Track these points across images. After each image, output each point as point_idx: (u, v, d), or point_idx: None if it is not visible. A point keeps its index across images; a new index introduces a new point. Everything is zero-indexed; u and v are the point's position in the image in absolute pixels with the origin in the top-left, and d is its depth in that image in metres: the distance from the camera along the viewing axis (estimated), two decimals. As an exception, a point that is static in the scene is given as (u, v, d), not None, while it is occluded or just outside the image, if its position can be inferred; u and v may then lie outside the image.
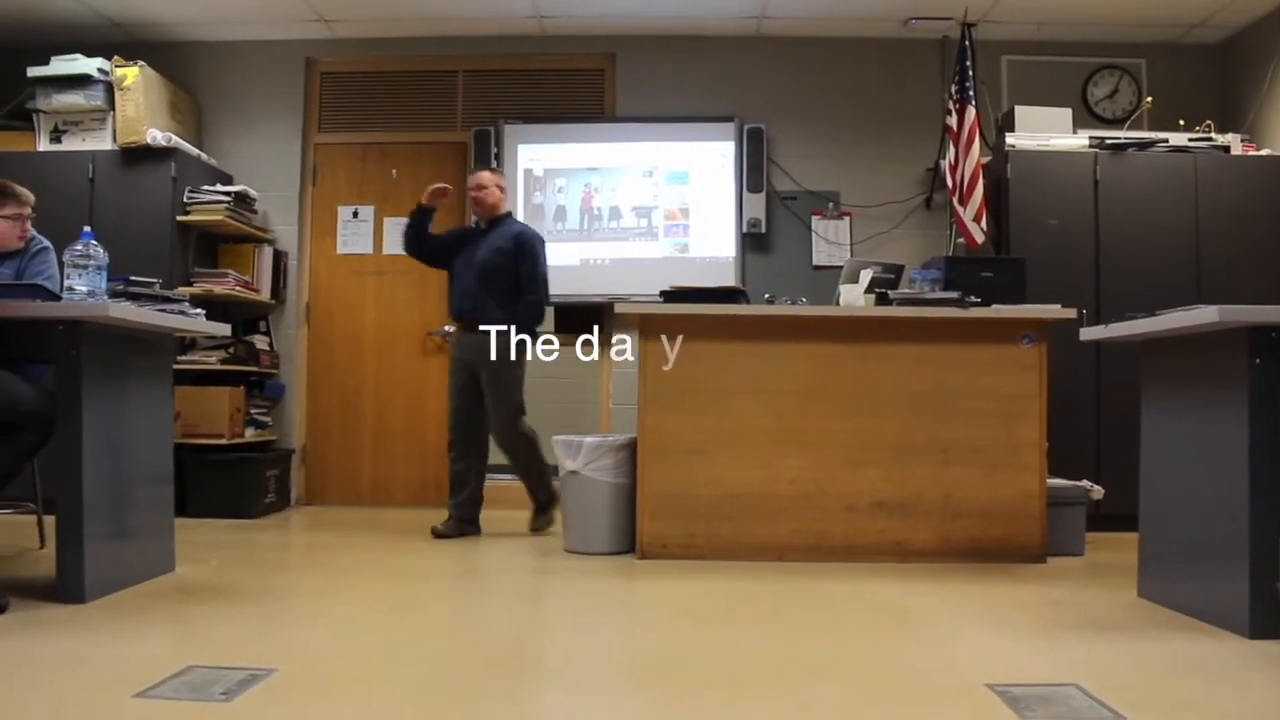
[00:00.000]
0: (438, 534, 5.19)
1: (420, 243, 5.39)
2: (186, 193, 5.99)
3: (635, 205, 6.46)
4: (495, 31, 6.57)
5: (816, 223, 6.49)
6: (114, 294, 3.65)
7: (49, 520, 3.99)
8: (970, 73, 5.83)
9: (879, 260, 5.19)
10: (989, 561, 4.47)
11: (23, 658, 2.81)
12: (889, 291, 4.79)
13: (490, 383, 5.20)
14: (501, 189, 5.45)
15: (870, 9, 6.20)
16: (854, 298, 4.78)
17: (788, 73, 6.60)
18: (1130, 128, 6.15)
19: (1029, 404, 4.58)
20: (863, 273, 4.89)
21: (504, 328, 5.13)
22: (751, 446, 4.57)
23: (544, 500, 5.43)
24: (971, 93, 5.79)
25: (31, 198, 4.35)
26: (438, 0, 6.17)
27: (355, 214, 6.66)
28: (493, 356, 5.13)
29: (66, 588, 3.43)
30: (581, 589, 4.03)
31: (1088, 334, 4.03)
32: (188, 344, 5.91)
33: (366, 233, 6.65)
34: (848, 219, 6.49)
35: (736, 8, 6.22)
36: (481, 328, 5.15)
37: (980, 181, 5.65)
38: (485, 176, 5.42)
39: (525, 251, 5.27)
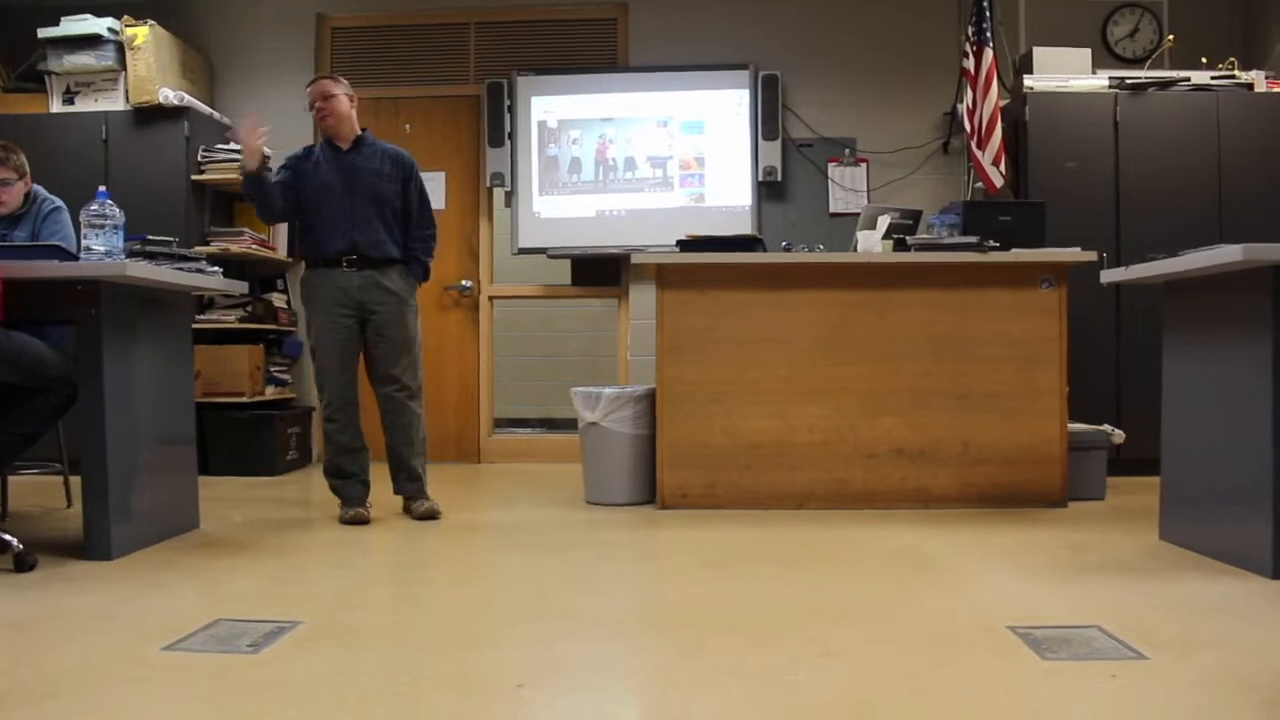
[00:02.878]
0: (356, 520, 4.32)
1: (273, 207, 4.47)
2: (201, 151, 5.99)
3: (650, 155, 6.42)
4: (505, -19, 6.51)
5: (833, 170, 6.44)
6: (131, 253, 3.66)
7: (74, 480, 4.03)
8: (988, 14, 5.74)
9: (896, 206, 5.14)
10: (1009, 507, 4.48)
11: (52, 613, 2.85)
12: (907, 237, 4.75)
13: (395, 324, 4.45)
14: (351, 99, 4.53)
15: (884, -49, 6.10)
16: (872, 244, 4.75)
17: (802, 18, 6.52)
18: (1151, 67, 6.05)
19: (1049, 349, 4.56)
20: (880, 219, 4.85)
21: (399, 263, 4.50)
22: (770, 395, 4.56)
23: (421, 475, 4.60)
24: (989, 34, 5.70)
25: (23, 162, 4.32)
26: (447, -49, 6.12)
27: (369, 170, 6.62)
28: (398, 293, 4.46)
29: (93, 545, 3.48)
30: (602, 539, 4.05)
31: (1109, 276, 4.00)
32: (206, 303, 5.93)
33: (381, 188, 6.61)
34: (864, 165, 6.43)
35: (749, -48, 6.15)
36: (377, 264, 4.43)
37: (999, 125, 5.59)
38: (328, 84, 4.49)
39: (416, 176, 4.60)
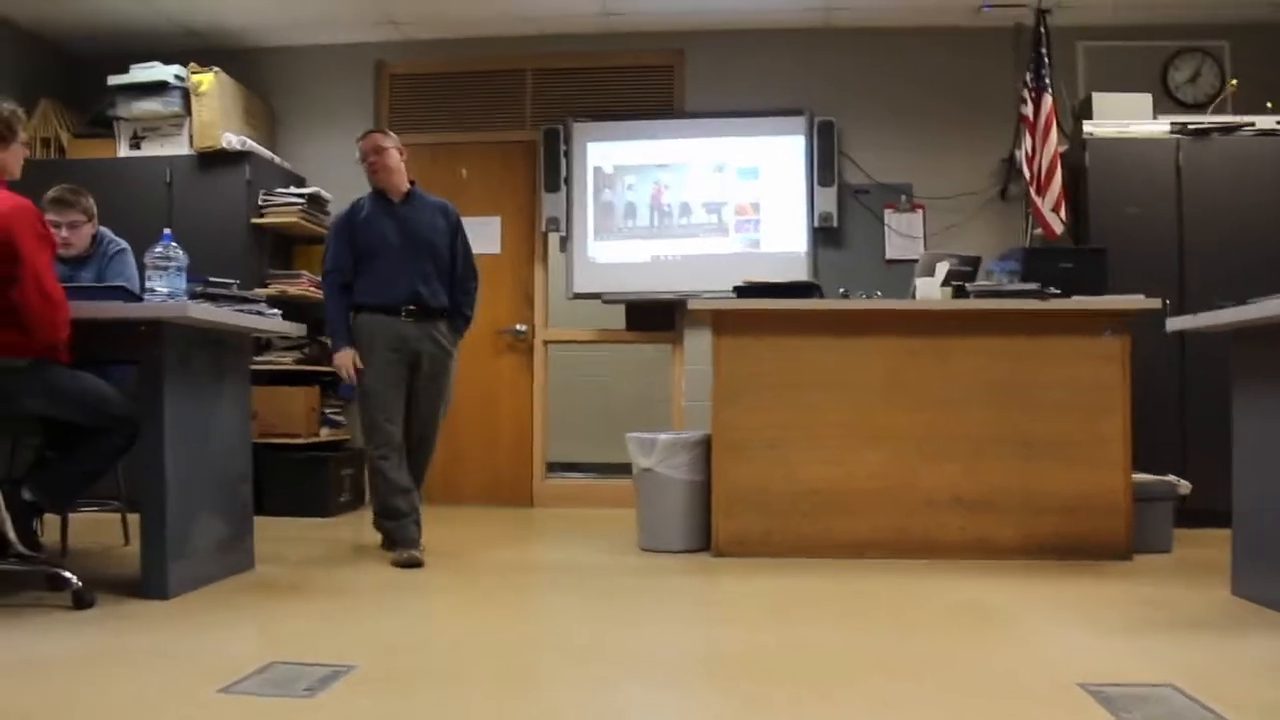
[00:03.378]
0: (411, 563, 4.31)
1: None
2: (261, 195, 6.07)
3: (706, 201, 6.42)
4: (563, 30, 6.57)
5: (889, 216, 6.40)
6: (193, 295, 3.69)
7: (133, 518, 4.06)
8: (1046, 60, 5.70)
9: (955, 253, 5.09)
10: (1073, 559, 4.37)
11: (110, 652, 2.85)
12: (966, 284, 4.69)
13: (441, 374, 4.63)
14: (402, 152, 4.70)
15: (940, -2, 6.09)
16: (931, 291, 4.70)
17: (858, 64, 6.52)
18: (1214, 112, 5.97)
19: (1112, 397, 4.47)
20: (939, 265, 4.80)
21: (448, 315, 4.67)
22: (828, 442, 4.51)
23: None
24: (1048, 80, 5.67)
25: (90, 204, 4.45)
26: (504, 0, 6.18)
27: (426, 214, 6.67)
28: (447, 346, 4.65)
29: (151, 584, 3.49)
30: (658, 585, 4.00)
31: (1175, 324, 3.91)
32: (264, 344, 5.99)
33: (437, 233, 6.66)
34: (921, 212, 6.38)
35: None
36: (434, 315, 4.60)
37: (1059, 171, 5.53)
38: (379, 138, 4.67)
39: (461, 227, 4.75)
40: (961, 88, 6.44)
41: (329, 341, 4.66)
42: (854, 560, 4.39)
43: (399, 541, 4.42)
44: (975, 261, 4.95)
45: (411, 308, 4.52)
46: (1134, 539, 4.44)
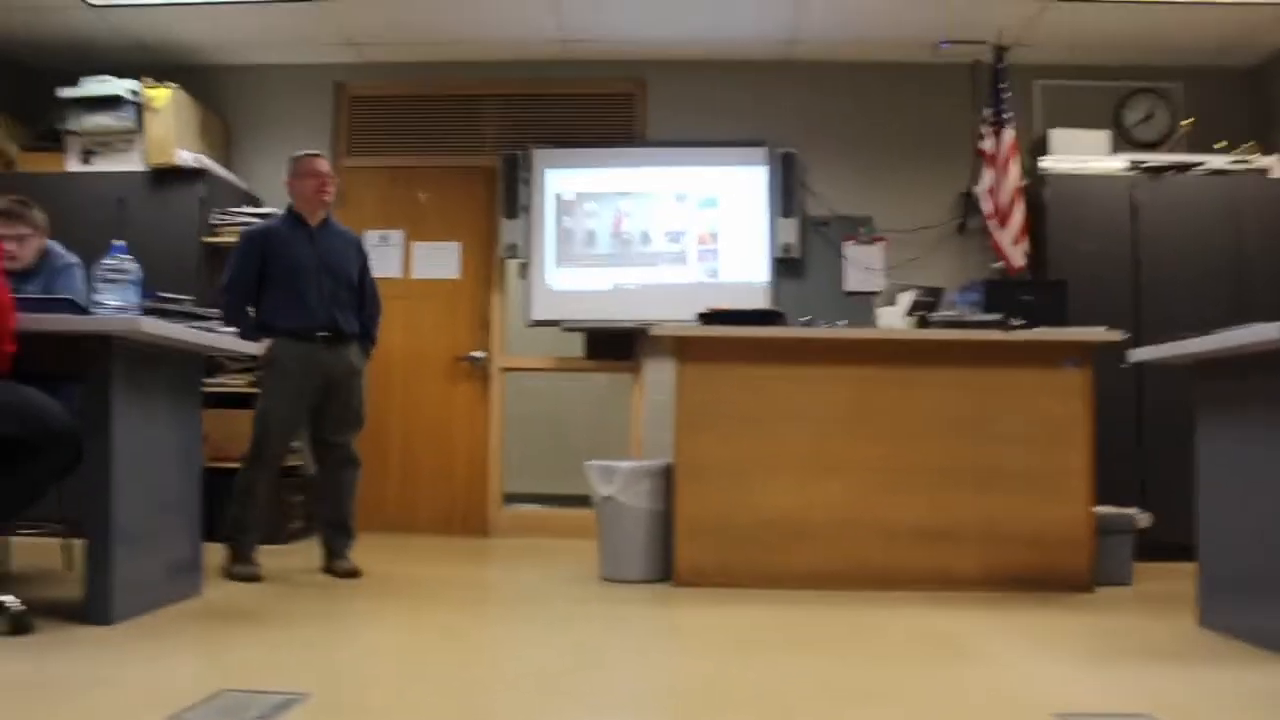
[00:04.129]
0: (255, 577, 4.43)
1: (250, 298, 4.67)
2: (214, 214, 5.96)
3: (666, 230, 6.38)
4: (523, 56, 6.52)
5: (849, 248, 6.40)
6: (146, 311, 3.57)
7: (75, 542, 3.92)
8: (1004, 95, 5.76)
9: (918, 283, 5.09)
10: (1034, 590, 4.34)
11: (52, 680, 2.72)
12: (929, 314, 4.69)
13: (356, 396, 4.75)
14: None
15: (900, 33, 6.12)
16: (893, 320, 4.70)
17: (819, 97, 6.54)
18: (1168, 151, 6.05)
19: (1074, 429, 4.48)
20: (901, 295, 4.80)
21: (358, 340, 4.78)
22: (789, 471, 4.47)
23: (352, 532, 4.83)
24: (1007, 115, 5.71)
25: (39, 217, 4.33)
26: (466, 25, 6.13)
27: (384, 238, 6.60)
28: (359, 368, 4.77)
29: (94, 610, 3.35)
30: (619, 616, 3.93)
31: (1138, 354, 3.93)
32: (215, 366, 5.84)
33: (394, 257, 6.57)
34: (881, 244, 6.39)
35: (768, 31, 6.17)
36: (347, 340, 4.69)
37: (1020, 204, 5.57)
38: (327, 164, 4.77)
39: (367, 257, 4.93)
40: (921, 122, 6.48)
41: (233, 348, 4.35)
42: (816, 591, 4.33)
43: (244, 555, 4.51)
44: (938, 293, 4.96)
45: (327, 334, 4.61)
46: (1095, 572, 4.44)
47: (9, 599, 3.20)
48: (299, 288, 4.58)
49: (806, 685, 2.87)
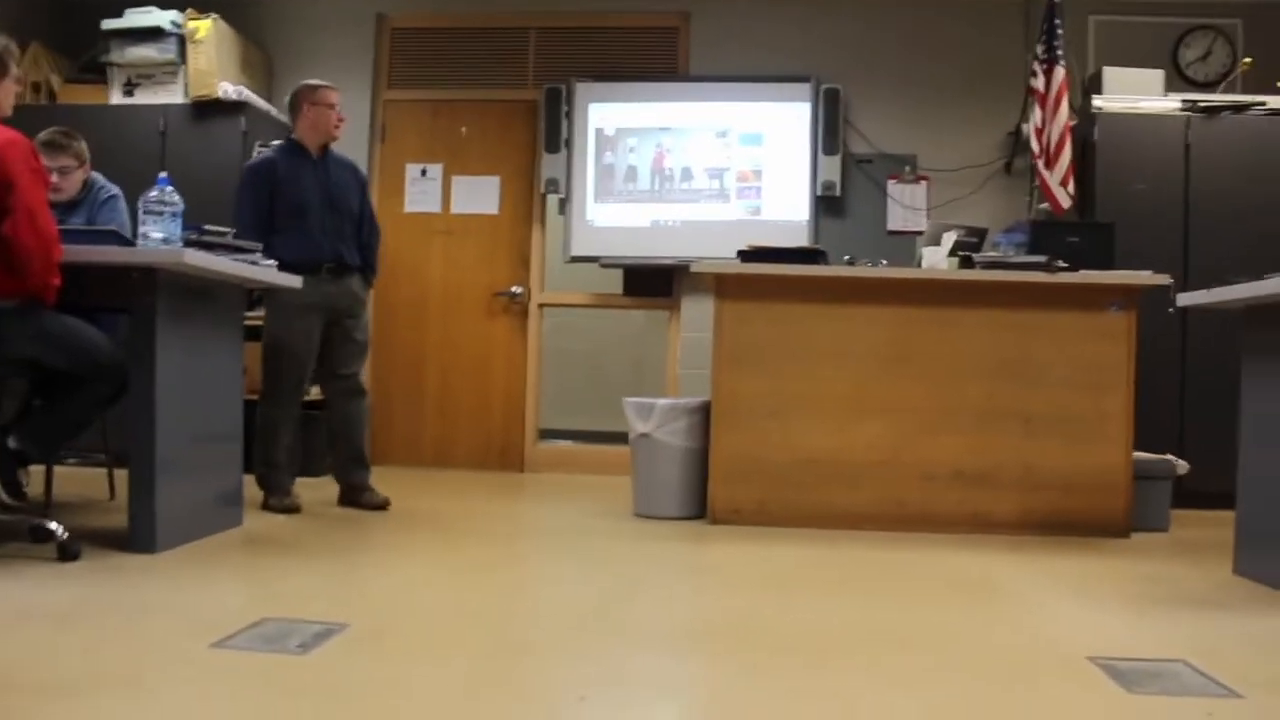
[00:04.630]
0: (293, 509, 4.48)
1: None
2: (257, 147, 5.94)
3: (708, 166, 6.33)
4: (568, -14, 6.45)
5: (892, 186, 6.31)
6: (188, 243, 3.59)
7: (119, 473, 3.98)
8: (1058, 32, 5.61)
9: (961, 223, 5.02)
10: (1070, 535, 4.32)
11: (97, 605, 2.78)
12: (973, 255, 4.63)
13: (362, 328, 4.81)
14: None
15: (953, -34, 5.99)
16: (936, 260, 4.64)
17: (866, 32, 6.41)
18: (1224, 90, 5.89)
19: (1116, 374, 4.43)
20: (945, 235, 4.74)
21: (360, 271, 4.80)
22: (828, 411, 4.45)
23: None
24: (1060, 52, 5.58)
25: (83, 149, 4.36)
26: (509, -45, 6.07)
27: (423, 172, 6.59)
28: (363, 298, 4.83)
29: (138, 538, 3.42)
30: (653, 552, 3.95)
31: (1186, 299, 3.86)
32: (255, 300, 5.88)
33: (434, 191, 6.58)
34: (925, 183, 6.30)
35: (814, -36, 6.06)
36: (350, 271, 4.72)
37: (1068, 144, 5.45)
38: (337, 94, 4.74)
39: (366, 186, 4.99)
40: (970, 59, 6.35)
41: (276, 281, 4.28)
42: (851, 531, 4.34)
43: (281, 489, 4.52)
44: (982, 233, 4.89)
45: (332, 265, 4.60)
46: (1132, 517, 4.41)
47: (56, 526, 3.27)
48: (304, 221, 4.56)
49: (840, 625, 2.88)
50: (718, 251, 5.41)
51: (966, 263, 4.60)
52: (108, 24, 5.95)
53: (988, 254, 4.71)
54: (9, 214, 3.11)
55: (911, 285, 4.50)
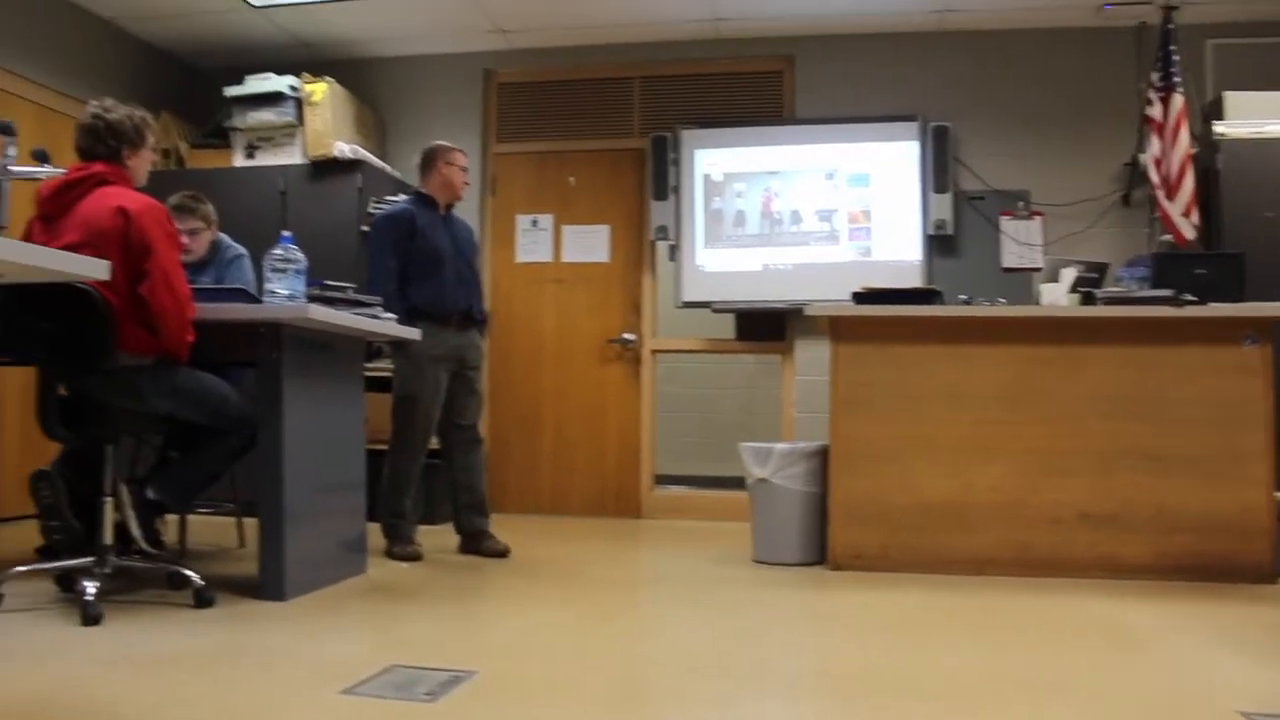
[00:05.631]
0: (416, 556, 4.55)
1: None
2: (371, 203, 6.11)
3: (817, 209, 6.30)
4: (671, 37, 6.51)
5: (1005, 223, 6.20)
6: (311, 298, 3.69)
7: (247, 521, 4.07)
8: (1174, 58, 5.48)
9: (1080, 259, 4.90)
10: (1209, 580, 4.14)
11: (232, 650, 2.85)
12: (1094, 291, 4.51)
13: (480, 381, 4.94)
14: None
15: (1061, -3, 5.89)
16: (1056, 297, 4.53)
17: (973, 68, 6.35)
18: (1356, 112, 5.66)
19: (1253, 410, 4.25)
20: (1064, 272, 4.63)
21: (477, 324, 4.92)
22: (949, 454, 4.36)
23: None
24: (1177, 79, 5.44)
25: (210, 211, 4.54)
26: (613, 8, 6.15)
27: (534, 223, 6.70)
28: (483, 350, 5.02)
29: (268, 585, 3.50)
30: (774, 598, 3.90)
31: (1327, 331, 3.70)
32: (374, 351, 6.00)
33: (545, 241, 6.68)
34: (1039, 219, 6.18)
35: (919, 2, 6.01)
36: (474, 323, 4.87)
37: (1189, 174, 5.30)
38: (467, 158, 4.94)
39: (477, 246, 5.25)
40: (1081, 90, 6.23)
41: (395, 334, 4.35)
42: (977, 576, 4.23)
43: (404, 538, 4.61)
44: (1103, 268, 4.76)
45: (461, 316, 4.75)
46: (1276, 561, 4.21)
47: (192, 574, 3.36)
48: (439, 271, 4.67)
49: (971, 674, 2.79)
50: (829, 294, 5.37)
51: (1088, 299, 4.48)
52: (230, 91, 6.21)
53: (1110, 289, 4.58)
54: (147, 276, 3.24)
55: (1032, 323, 4.40)
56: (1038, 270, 5.71)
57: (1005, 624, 3.46)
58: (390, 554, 4.53)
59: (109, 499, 3.32)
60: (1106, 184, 6.17)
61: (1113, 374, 4.33)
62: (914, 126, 6.22)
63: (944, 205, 6.15)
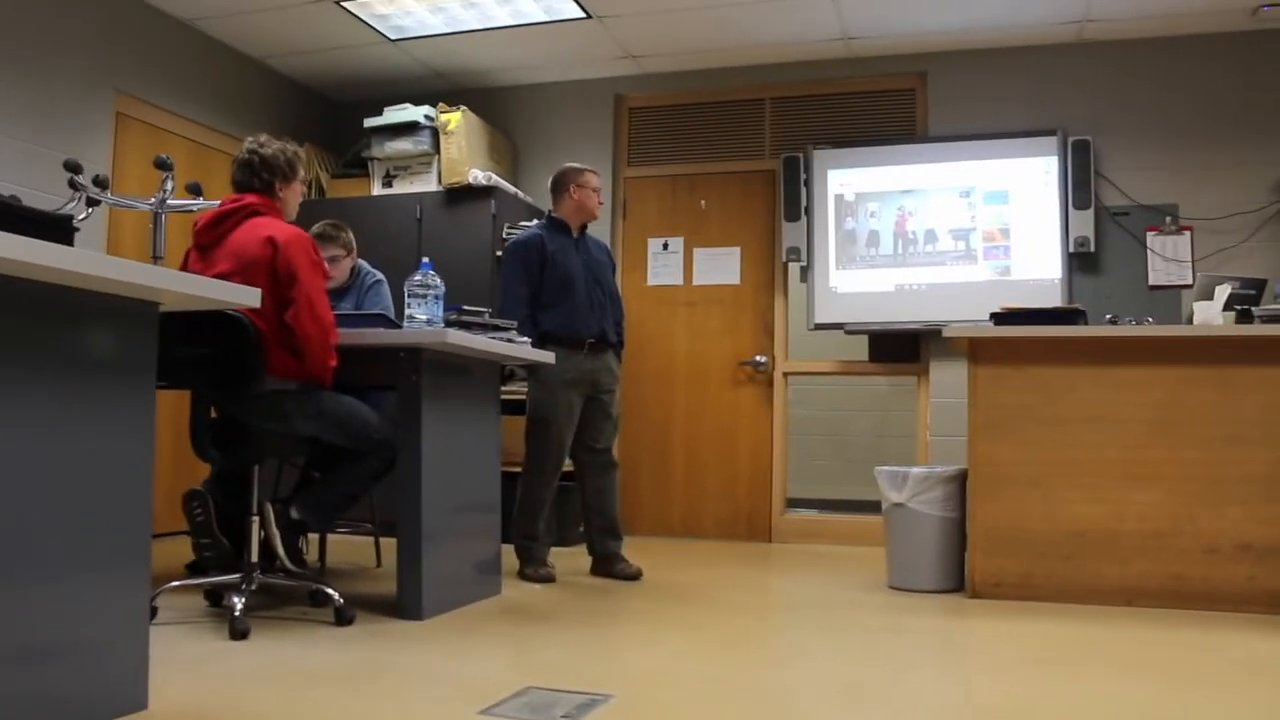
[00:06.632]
0: (549, 578, 4.57)
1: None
2: (505, 228, 6.22)
3: (952, 228, 6.17)
4: (802, 57, 6.47)
5: (1152, 239, 5.98)
6: (449, 323, 3.76)
7: (385, 541, 4.15)
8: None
9: (1234, 275, 4.69)
10: (1384, 616, 3.90)
11: (372, 668, 2.90)
12: (1252, 308, 4.30)
13: (616, 404, 4.92)
14: None
15: (1212, 1, 5.65)
16: (1210, 316, 4.33)
17: (1115, 79, 6.14)
18: None
19: None
20: (1218, 289, 4.43)
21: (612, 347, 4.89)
22: (1095, 479, 4.20)
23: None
24: (1339, 85, 5.18)
25: (350, 239, 4.66)
26: (744, 30, 6.13)
27: (665, 246, 6.72)
28: (619, 374, 4.94)
29: (406, 604, 3.56)
30: (912, 626, 3.80)
31: None
32: (507, 374, 6.08)
33: (676, 264, 6.69)
34: (1188, 234, 5.94)
35: (1056, 13, 5.84)
36: (608, 347, 4.84)
37: (1355, 184, 5.03)
38: (599, 178, 4.93)
39: (616, 267, 5.15)
40: (1234, 98, 5.96)
41: (530, 358, 4.39)
42: (1125, 608, 4.06)
43: (538, 559, 4.65)
44: (1261, 284, 4.55)
45: (595, 340, 4.73)
46: None
47: (333, 592, 3.44)
48: (571, 296, 4.69)
49: (1122, 710, 2.67)
50: (966, 314, 5.26)
51: (1245, 316, 4.27)
52: (369, 122, 6.40)
53: (1269, 307, 4.36)
54: (292, 304, 3.34)
55: (1184, 343, 4.22)
56: (1187, 287, 5.50)
57: (1156, 659, 3.30)
58: (524, 575, 4.57)
59: (255, 518, 3.44)
60: (1261, 196, 5.89)
61: (1273, 396, 4.12)
62: (1053, 141, 6.05)
63: (1085, 221, 5.95)
